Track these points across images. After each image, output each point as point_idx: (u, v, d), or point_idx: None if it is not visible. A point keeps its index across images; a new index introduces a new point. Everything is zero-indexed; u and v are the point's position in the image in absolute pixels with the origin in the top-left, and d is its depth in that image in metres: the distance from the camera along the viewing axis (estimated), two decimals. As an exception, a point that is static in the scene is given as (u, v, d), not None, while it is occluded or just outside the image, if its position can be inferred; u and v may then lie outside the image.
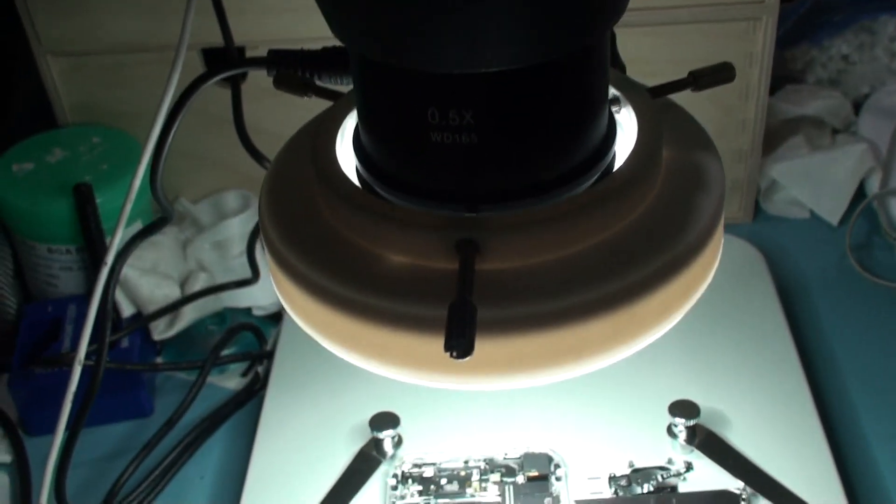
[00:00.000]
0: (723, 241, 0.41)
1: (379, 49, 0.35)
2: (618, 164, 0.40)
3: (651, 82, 0.44)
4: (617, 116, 0.42)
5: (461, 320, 0.32)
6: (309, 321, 0.39)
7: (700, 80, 0.43)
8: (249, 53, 0.74)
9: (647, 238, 0.37)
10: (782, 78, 0.88)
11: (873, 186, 0.81)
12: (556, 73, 0.36)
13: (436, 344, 0.33)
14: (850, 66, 0.87)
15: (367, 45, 0.35)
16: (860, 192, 0.81)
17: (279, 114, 0.75)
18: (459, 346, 0.32)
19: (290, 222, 0.40)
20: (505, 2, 0.32)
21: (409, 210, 0.37)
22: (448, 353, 0.32)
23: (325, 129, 0.41)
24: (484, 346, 0.34)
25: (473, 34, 0.33)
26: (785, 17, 0.86)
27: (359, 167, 0.40)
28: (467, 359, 0.32)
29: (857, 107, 0.86)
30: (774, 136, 0.83)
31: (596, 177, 0.39)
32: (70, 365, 0.59)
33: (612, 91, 0.42)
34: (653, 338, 0.38)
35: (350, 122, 0.43)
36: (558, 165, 0.37)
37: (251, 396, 0.71)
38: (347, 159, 0.41)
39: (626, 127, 0.42)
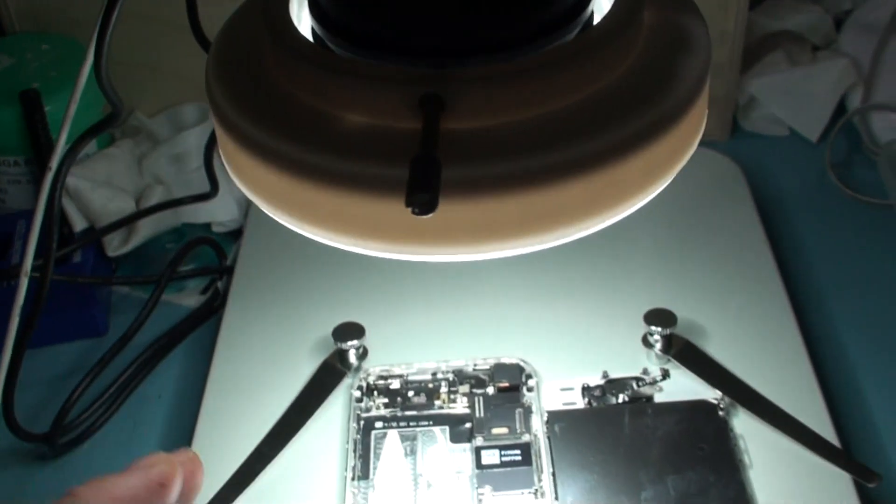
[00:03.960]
0: (706, 113, 0.39)
1: None
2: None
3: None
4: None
5: (424, 172, 0.30)
6: (260, 190, 0.36)
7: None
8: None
9: (628, 97, 0.34)
10: (762, -8, 0.85)
11: (854, 102, 0.78)
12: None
13: (397, 206, 0.30)
14: (831, -20, 0.84)
15: None
16: (840, 109, 0.79)
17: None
18: (422, 199, 0.29)
19: (239, 84, 0.37)
20: None
21: (368, 64, 0.34)
22: (410, 210, 0.29)
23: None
24: (450, 210, 0.31)
25: None
26: (765, -72, 0.83)
27: (314, 26, 0.37)
28: (430, 216, 0.29)
29: (839, 23, 0.83)
30: (753, 52, 0.81)
31: (574, 33, 0.36)
32: (16, 277, 0.56)
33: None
34: (633, 206, 0.35)
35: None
36: (533, 17, 0.34)
37: (211, 314, 0.68)
38: (305, 24, 0.38)
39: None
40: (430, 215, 0.30)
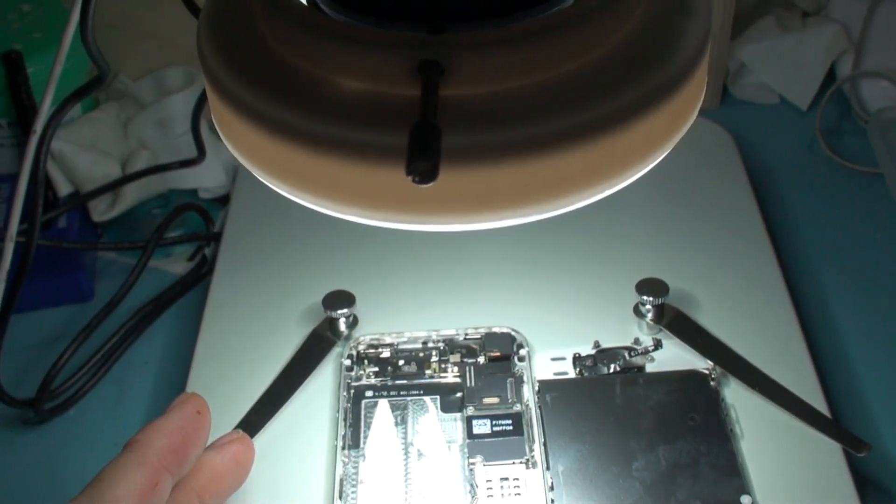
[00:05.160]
0: (706, 79, 0.38)
1: None
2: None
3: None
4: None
5: (424, 140, 0.29)
6: (254, 157, 0.35)
7: None
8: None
9: (630, 63, 0.34)
10: (753, -42, 0.84)
11: (845, 69, 0.78)
12: None
13: (396, 174, 0.30)
14: (823, -54, 0.83)
15: None
16: (830, 76, 0.79)
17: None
18: (423, 167, 0.29)
19: (232, 49, 0.36)
20: None
21: (365, 29, 0.34)
22: (410, 178, 0.29)
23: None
24: (450, 178, 0.31)
25: None
26: None
27: (309, -11, 0.37)
28: (431, 184, 0.29)
29: (829, -11, 0.83)
30: (743, 19, 0.80)
31: (574, -2, 0.35)
32: (1, 242, 0.55)
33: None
34: (634, 175, 0.35)
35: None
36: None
37: (199, 280, 0.67)
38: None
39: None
40: (430, 184, 0.29)
